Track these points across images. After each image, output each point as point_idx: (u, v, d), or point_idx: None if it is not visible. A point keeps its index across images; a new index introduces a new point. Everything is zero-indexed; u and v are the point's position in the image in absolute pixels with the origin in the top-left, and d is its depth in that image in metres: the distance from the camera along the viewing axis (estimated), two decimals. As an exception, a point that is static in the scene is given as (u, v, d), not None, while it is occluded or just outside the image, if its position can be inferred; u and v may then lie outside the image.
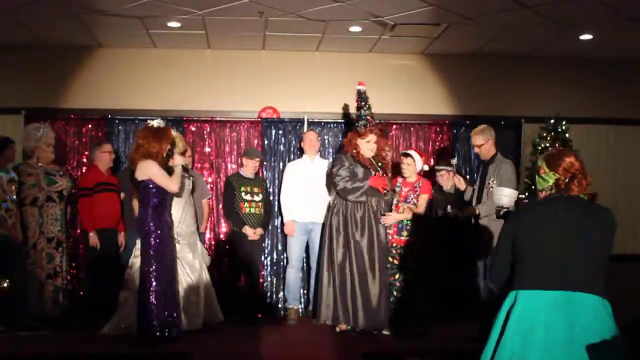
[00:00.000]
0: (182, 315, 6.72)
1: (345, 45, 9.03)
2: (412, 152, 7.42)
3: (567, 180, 3.69)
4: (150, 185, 6.39)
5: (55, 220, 7.26)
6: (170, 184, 6.43)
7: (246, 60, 9.21)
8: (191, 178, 7.29)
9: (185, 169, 6.90)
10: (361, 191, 6.96)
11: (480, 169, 7.15)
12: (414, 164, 7.27)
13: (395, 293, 7.10)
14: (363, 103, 7.36)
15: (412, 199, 7.18)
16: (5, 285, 7.37)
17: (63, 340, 6.68)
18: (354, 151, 7.14)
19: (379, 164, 7.15)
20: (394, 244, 7.14)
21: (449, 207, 7.47)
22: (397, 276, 7.12)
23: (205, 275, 7.11)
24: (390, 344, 6.70)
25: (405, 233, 7.13)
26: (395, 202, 7.23)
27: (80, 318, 7.24)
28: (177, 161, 6.56)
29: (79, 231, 8.08)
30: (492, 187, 6.57)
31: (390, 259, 7.14)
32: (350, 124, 8.51)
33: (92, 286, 7.50)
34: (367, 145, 7.11)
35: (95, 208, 7.46)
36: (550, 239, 3.57)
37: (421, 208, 7.19)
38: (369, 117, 7.27)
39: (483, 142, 6.95)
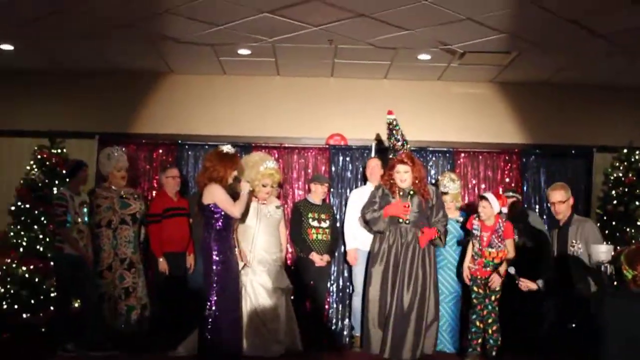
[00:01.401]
0: (243, 342, 6.77)
1: (414, 73, 9.04)
2: (488, 194, 7.24)
3: None
4: (215, 209, 6.41)
5: (129, 242, 7.37)
6: (234, 209, 6.43)
7: (315, 87, 9.30)
8: (281, 207, 7.47)
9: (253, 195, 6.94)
10: (378, 222, 6.97)
11: (555, 232, 6.89)
12: (490, 207, 7.11)
13: (477, 323, 7.01)
14: (394, 132, 7.32)
15: (496, 244, 7.03)
16: (76, 305, 7.54)
17: (131, 361, 6.77)
18: (389, 182, 7.04)
19: (411, 192, 6.96)
20: (478, 276, 7.04)
21: (511, 268, 7.28)
22: (481, 306, 7.03)
23: (287, 304, 7.17)
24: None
25: (491, 267, 7.01)
26: (478, 246, 7.10)
27: (149, 339, 7.32)
28: (244, 188, 6.58)
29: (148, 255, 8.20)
30: (579, 249, 6.42)
31: (476, 288, 7.04)
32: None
33: (160, 308, 7.57)
34: (398, 176, 6.97)
35: (164, 233, 7.56)
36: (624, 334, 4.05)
37: (511, 254, 7.06)
38: (396, 147, 7.21)
39: (565, 198, 6.70)
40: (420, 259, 6.89)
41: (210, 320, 6.32)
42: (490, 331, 6.97)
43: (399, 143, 7.34)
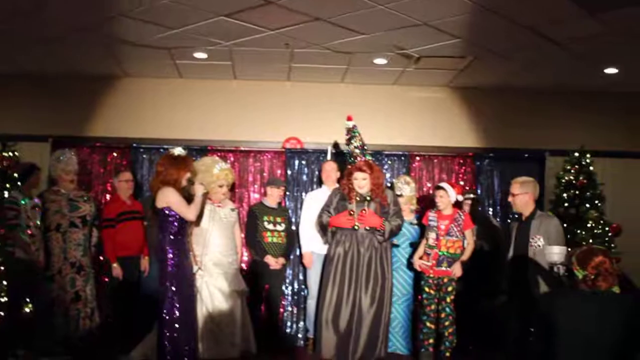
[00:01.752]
0: (199, 345, 6.74)
1: (370, 77, 9.08)
2: (444, 184, 7.37)
3: (593, 277, 4.29)
4: (169, 213, 6.36)
5: (78, 246, 7.26)
6: (189, 212, 6.39)
7: (271, 91, 9.29)
8: (235, 210, 7.49)
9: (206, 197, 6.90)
10: (324, 229, 7.08)
11: (516, 225, 6.95)
12: (447, 196, 7.21)
13: (428, 324, 7.09)
14: (351, 139, 7.35)
15: (455, 232, 7.12)
16: (27, 310, 7.42)
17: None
18: (347, 187, 7.05)
19: (368, 198, 6.97)
20: (431, 275, 7.11)
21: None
22: (432, 307, 7.10)
23: (243, 307, 7.17)
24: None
25: (445, 265, 7.09)
26: (435, 236, 7.16)
27: (101, 344, 7.23)
28: (198, 190, 6.56)
29: (101, 258, 8.10)
30: (538, 246, 6.53)
31: (427, 289, 7.12)
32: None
33: (113, 313, 7.50)
34: (356, 183, 6.98)
35: (118, 237, 7.51)
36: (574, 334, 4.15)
37: (471, 246, 7.18)
38: (355, 154, 7.24)
39: (518, 192, 6.79)
40: (379, 262, 6.92)
41: (165, 324, 6.29)
42: (446, 333, 7.04)
43: (358, 150, 7.38)
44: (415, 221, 7.72)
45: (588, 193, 8.30)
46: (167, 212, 6.34)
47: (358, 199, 6.98)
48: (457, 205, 7.44)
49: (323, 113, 9.20)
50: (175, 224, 6.38)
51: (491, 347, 7.56)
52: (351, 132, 7.38)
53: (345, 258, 6.89)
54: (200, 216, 6.77)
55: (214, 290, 7.03)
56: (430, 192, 9.02)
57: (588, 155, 8.60)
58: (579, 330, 4.12)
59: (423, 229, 7.44)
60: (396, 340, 7.60)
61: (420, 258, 7.17)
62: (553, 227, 6.62)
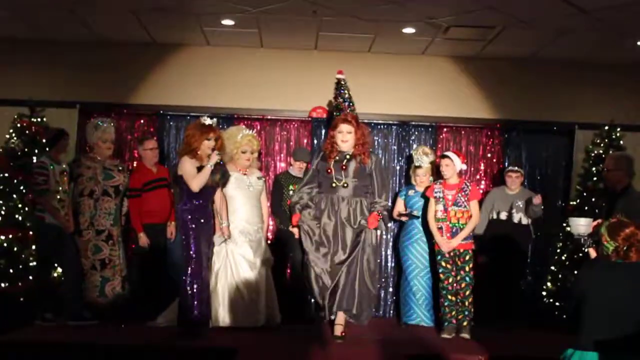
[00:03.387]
0: (222, 312, 6.92)
1: (398, 47, 9.00)
2: (449, 153, 7.33)
3: (625, 248, 4.29)
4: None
5: (109, 215, 7.33)
6: (192, 182, 6.49)
7: (298, 60, 9.24)
8: (262, 178, 7.50)
9: (219, 168, 6.82)
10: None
11: (607, 200, 6.84)
12: (453, 165, 7.18)
13: (449, 297, 7.11)
14: (341, 91, 7.24)
15: (463, 202, 7.10)
16: (55, 275, 7.52)
17: (110, 331, 6.76)
18: (330, 147, 6.76)
19: (347, 156, 6.66)
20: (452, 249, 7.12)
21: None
22: (450, 280, 7.11)
23: (267, 276, 7.21)
24: (436, 345, 6.65)
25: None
26: (442, 208, 7.15)
27: (129, 310, 7.31)
28: (212, 160, 6.60)
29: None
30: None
31: (444, 263, 7.13)
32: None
33: (140, 280, 7.56)
34: (340, 136, 6.67)
35: (144, 205, 7.51)
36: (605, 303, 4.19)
37: (475, 216, 7.17)
38: (342, 107, 7.11)
39: (611, 168, 6.59)
40: (353, 231, 6.68)
41: (186, 289, 6.37)
42: (466, 303, 7.05)
43: (346, 103, 7.30)
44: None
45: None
46: (184, 180, 6.44)
47: (337, 158, 6.71)
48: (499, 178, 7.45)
49: (350, 82, 9.11)
50: (192, 191, 6.46)
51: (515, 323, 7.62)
52: (341, 86, 7.30)
53: (318, 228, 6.70)
54: (225, 184, 6.84)
55: (239, 258, 7.07)
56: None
57: (618, 129, 8.52)
58: (610, 300, 4.16)
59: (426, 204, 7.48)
60: (420, 312, 7.63)
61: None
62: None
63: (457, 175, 7.22)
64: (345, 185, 6.66)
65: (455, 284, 7.11)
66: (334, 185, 6.67)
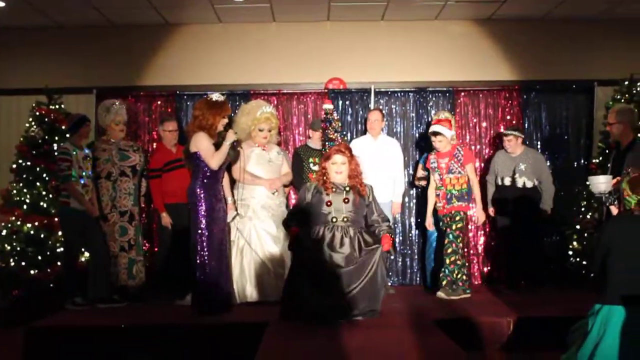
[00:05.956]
0: (252, 288, 6.97)
1: (411, 13, 8.93)
2: (436, 127, 7.26)
3: None
4: (201, 158, 6.42)
5: (129, 195, 7.39)
6: (212, 160, 6.36)
7: (311, 32, 9.22)
8: (281, 153, 7.51)
9: (235, 146, 6.62)
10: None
11: (614, 153, 6.78)
12: (444, 136, 7.24)
13: (452, 258, 7.17)
14: (332, 123, 7.28)
15: (456, 169, 7.17)
16: (83, 259, 7.60)
17: (141, 312, 6.82)
18: (322, 177, 6.34)
19: (347, 188, 6.26)
20: (445, 213, 7.25)
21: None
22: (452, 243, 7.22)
23: None
24: (463, 309, 6.65)
25: (455, 201, 7.23)
26: (438, 177, 7.22)
27: (158, 291, 7.38)
28: (228, 138, 6.50)
29: (152, 207, 8.21)
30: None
31: (444, 228, 7.26)
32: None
33: (166, 260, 7.62)
34: (334, 167, 6.27)
35: (165, 185, 7.54)
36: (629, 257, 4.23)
37: (474, 180, 7.28)
38: (332, 137, 7.13)
39: (614, 121, 6.56)
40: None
41: (198, 269, 6.35)
42: (448, 261, 7.12)
43: (337, 134, 7.33)
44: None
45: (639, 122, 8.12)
46: (199, 156, 6.38)
47: (334, 190, 6.29)
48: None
49: (364, 51, 9.11)
50: (207, 168, 6.41)
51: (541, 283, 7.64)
52: (329, 115, 7.36)
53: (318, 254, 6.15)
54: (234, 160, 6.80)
55: (263, 233, 7.10)
56: (477, 128, 8.95)
57: (638, 84, 8.40)
58: (634, 253, 4.21)
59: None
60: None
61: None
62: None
63: (450, 143, 7.31)
64: (346, 219, 6.22)
65: (445, 239, 7.26)
66: (334, 220, 6.22)
